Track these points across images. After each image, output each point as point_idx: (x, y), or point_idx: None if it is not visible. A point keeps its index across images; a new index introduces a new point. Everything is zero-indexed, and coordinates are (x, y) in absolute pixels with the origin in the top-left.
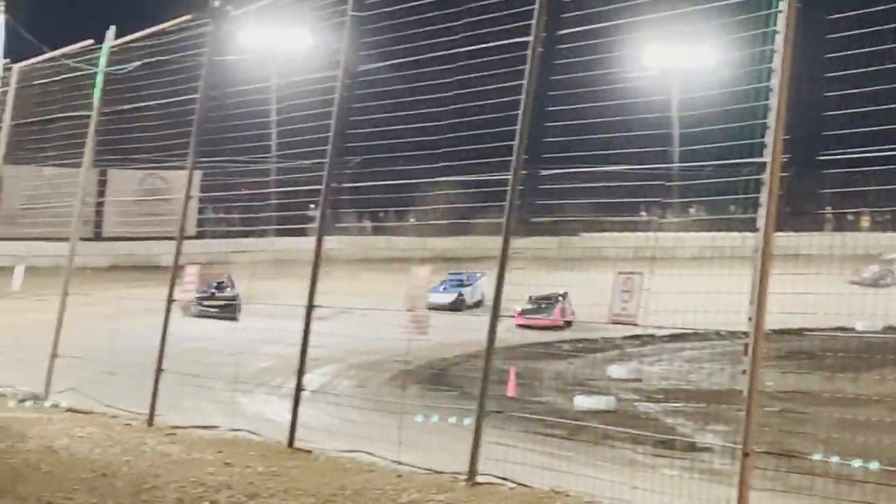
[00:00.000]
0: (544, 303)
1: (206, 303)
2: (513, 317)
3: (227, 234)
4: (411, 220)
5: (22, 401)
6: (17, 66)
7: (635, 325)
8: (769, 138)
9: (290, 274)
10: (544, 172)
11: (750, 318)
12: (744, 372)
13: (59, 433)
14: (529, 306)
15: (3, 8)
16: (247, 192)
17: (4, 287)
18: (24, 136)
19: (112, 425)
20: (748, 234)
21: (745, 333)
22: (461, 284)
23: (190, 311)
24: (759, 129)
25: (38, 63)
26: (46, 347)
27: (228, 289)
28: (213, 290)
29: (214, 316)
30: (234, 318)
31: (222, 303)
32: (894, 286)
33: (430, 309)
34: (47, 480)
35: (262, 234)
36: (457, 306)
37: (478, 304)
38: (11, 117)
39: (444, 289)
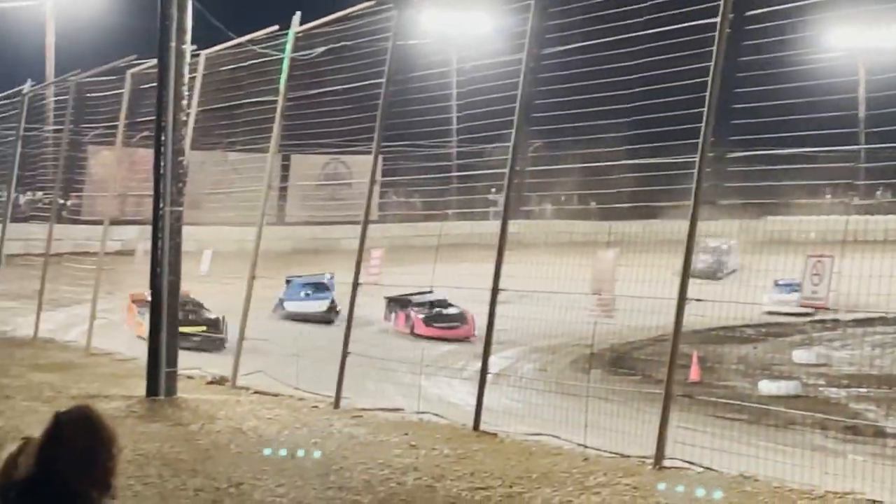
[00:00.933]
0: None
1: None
2: None
3: (408, 219)
4: (593, 204)
5: (210, 383)
6: (204, 53)
7: (826, 308)
8: None
9: (471, 258)
10: (731, 155)
11: None
12: None
13: (248, 415)
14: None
15: None
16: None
17: (193, 271)
18: (211, 122)
19: (299, 407)
20: None
21: None
22: (322, 289)
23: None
24: None
25: (224, 50)
26: (233, 330)
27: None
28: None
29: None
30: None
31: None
32: None
33: (287, 318)
34: (237, 461)
35: (444, 218)
36: (330, 317)
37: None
38: (198, 104)
39: (307, 295)
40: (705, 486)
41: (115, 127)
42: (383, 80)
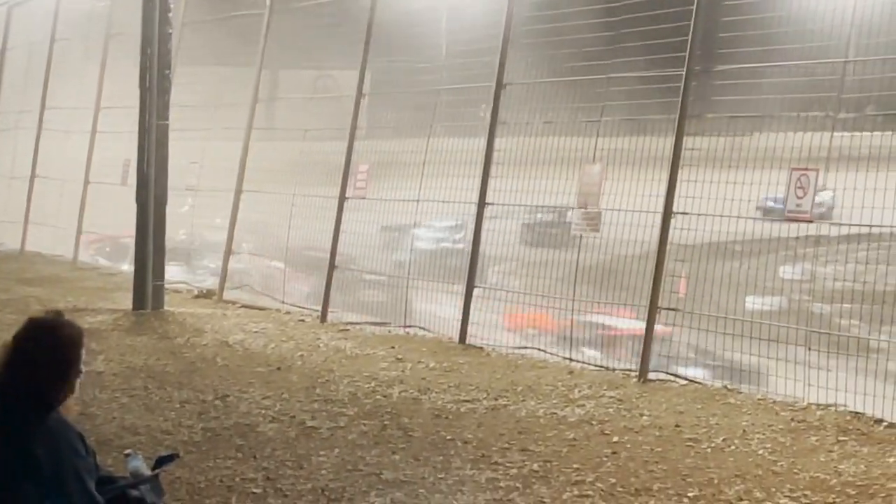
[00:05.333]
0: None
1: None
2: None
3: (397, 134)
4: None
5: (197, 296)
6: None
7: (810, 221)
8: None
9: (459, 174)
10: (718, 69)
11: None
12: None
13: (234, 328)
14: None
15: None
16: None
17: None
18: (198, 35)
19: (286, 321)
20: None
21: None
22: None
23: None
24: None
25: None
26: (221, 244)
27: None
28: None
29: None
30: None
31: None
32: None
33: None
34: (223, 374)
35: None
36: None
37: None
38: (184, 17)
39: None
40: (688, 398)
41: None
42: None
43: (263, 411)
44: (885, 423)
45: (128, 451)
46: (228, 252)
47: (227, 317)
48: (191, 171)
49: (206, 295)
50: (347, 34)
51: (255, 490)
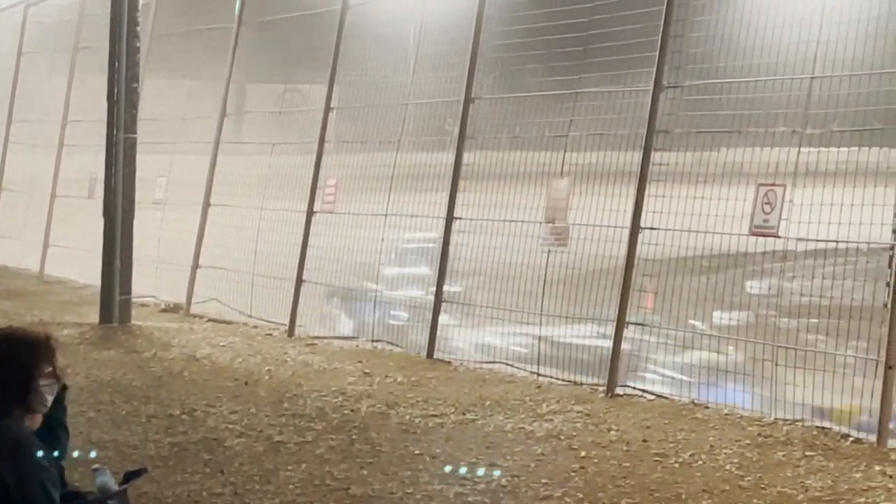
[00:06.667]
0: None
1: None
2: None
3: (365, 148)
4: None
5: (164, 310)
6: None
7: (777, 236)
8: None
9: (427, 188)
10: (686, 84)
11: (894, 230)
12: (888, 284)
13: (202, 342)
14: None
15: None
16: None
17: (147, 198)
18: (166, 48)
19: (253, 335)
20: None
21: (892, 246)
22: None
23: None
24: None
25: None
26: (188, 258)
27: None
28: None
29: None
30: None
31: None
32: None
33: None
34: (191, 388)
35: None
36: None
37: None
38: (152, 29)
39: None
40: (656, 413)
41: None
42: (339, 6)
43: (231, 426)
44: (851, 439)
45: (95, 466)
46: (195, 266)
47: (195, 331)
48: (158, 185)
49: (173, 309)
50: (316, 48)
51: None
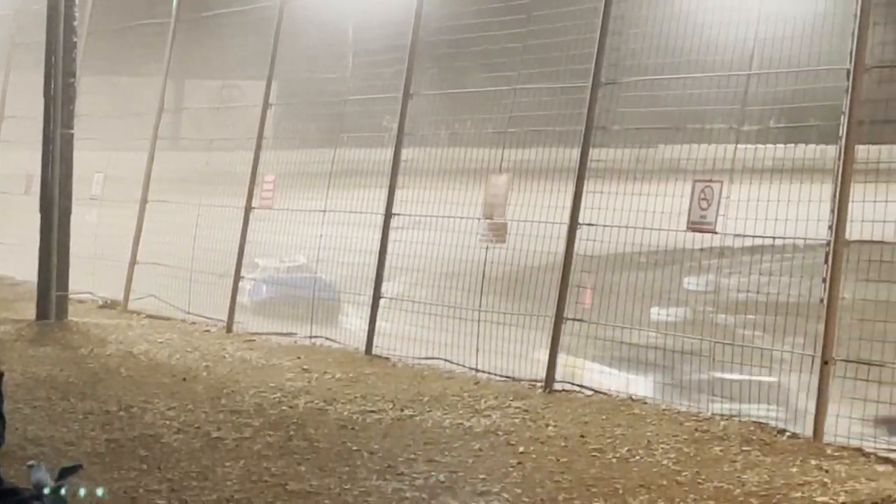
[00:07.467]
0: None
1: None
2: None
3: (303, 145)
4: (488, 130)
5: (102, 307)
6: None
7: (714, 232)
8: (853, 44)
9: (366, 185)
10: (624, 80)
11: (830, 227)
12: (824, 280)
13: (139, 339)
14: None
15: None
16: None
17: (85, 194)
18: (103, 44)
19: (191, 332)
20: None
21: (828, 242)
22: None
23: None
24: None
25: None
26: (126, 254)
27: None
28: None
29: None
30: None
31: None
32: None
33: None
34: (128, 384)
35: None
36: None
37: None
38: (89, 25)
39: None
40: (594, 408)
41: None
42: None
43: (168, 422)
44: (787, 434)
45: (31, 462)
46: (133, 262)
47: (132, 327)
48: (96, 182)
49: (110, 305)
50: (254, 44)
51: (159, 501)
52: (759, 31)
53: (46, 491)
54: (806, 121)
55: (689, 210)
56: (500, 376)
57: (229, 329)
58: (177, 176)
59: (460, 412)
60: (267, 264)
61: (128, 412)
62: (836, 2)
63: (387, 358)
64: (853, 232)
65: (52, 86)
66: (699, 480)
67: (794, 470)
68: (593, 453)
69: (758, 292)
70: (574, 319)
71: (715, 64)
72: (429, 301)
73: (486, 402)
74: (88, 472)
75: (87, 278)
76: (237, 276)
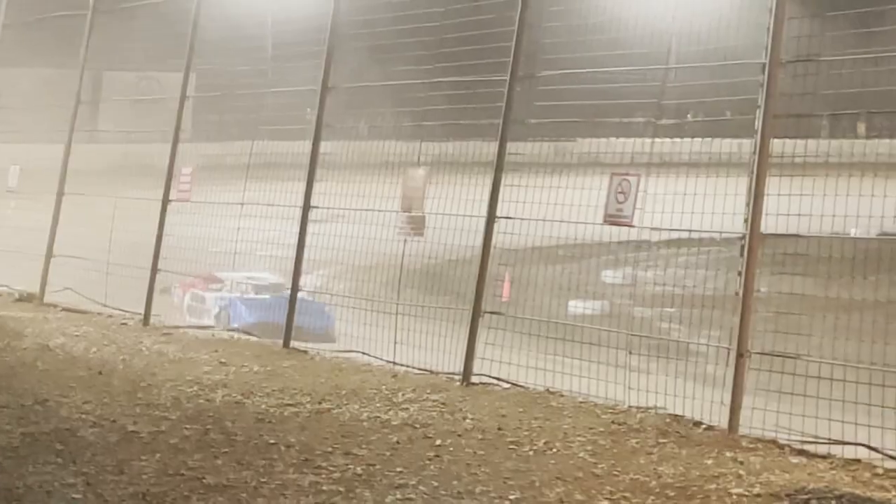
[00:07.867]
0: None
1: None
2: None
3: (222, 137)
4: (406, 123)
5: (18, 300)
6: None
7: (631, 225)
8: (768, 38)
9: (284, 177)
10: (541, 74)
11: (746, 220)
12: (740, 273)
13: (55, 332)
14: None
15: None
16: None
17: (1, 187)
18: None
19: (108, 325)
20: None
21: (743, 236)
22: None
23: None
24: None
25: None
26: (42, 247)
27: None
28: None
29: None
30: None
31: None
32: None
33: None
34: (44, 378)
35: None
36: None
37: None
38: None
39: None
40: (511, 401)
41: None
42: None
43: (84, 416)
44: (703, 426)
45: None
46: (50, 255)
47: (49, 320)
48: (11, 174)
49: (26, 298)
50: (171, 36)
51: (74, 495)
52: (677, 25)
53: None
54: (723, 115)
55: (606, 203)
56: (418, 369)
57: (146, 322)
58: (94, 168)
59: (378, 405)
60: (231, 277)
61: (43, 406)
62: None
63: (305, 351)
64: (768, 225)
65: None
66: (615, 472)
67: (710, 462)
68: (510, 446)
69: (675, 285)
70: (492, 313)
71: (633, 58)
72: (347, 294)
73: (403, 395)
74: (2, 466)
75: (3, 271)
76: (154, 270)
